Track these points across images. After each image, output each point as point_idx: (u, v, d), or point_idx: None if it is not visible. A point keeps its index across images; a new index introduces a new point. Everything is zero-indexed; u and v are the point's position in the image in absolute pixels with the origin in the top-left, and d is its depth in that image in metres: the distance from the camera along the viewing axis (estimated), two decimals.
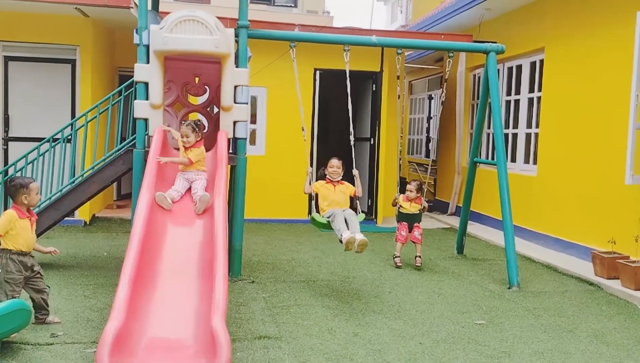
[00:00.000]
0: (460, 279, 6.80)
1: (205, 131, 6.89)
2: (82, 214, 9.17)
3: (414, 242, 7.21)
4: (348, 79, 6.65)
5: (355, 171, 6.12)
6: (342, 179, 6.12)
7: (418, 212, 7.24)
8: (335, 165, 6.04)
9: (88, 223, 9.30)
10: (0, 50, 8.95)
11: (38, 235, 6.41)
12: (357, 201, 6.14)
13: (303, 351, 4.38)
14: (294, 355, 4.28)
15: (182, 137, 5.64)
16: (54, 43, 8.99)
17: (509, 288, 6.43)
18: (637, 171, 6.43)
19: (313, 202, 6.05)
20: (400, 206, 7.25)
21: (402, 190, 7.39)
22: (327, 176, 6.08)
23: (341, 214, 5.72)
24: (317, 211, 5.98)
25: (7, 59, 8.99)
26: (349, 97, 6.60)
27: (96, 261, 6.95)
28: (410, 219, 7.23)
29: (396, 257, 7.21)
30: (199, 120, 5.78)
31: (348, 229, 5.55)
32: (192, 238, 4.89)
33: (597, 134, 7.61)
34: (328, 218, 5.79)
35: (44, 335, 4.49)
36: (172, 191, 5.33)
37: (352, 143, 6.49)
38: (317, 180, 6.20)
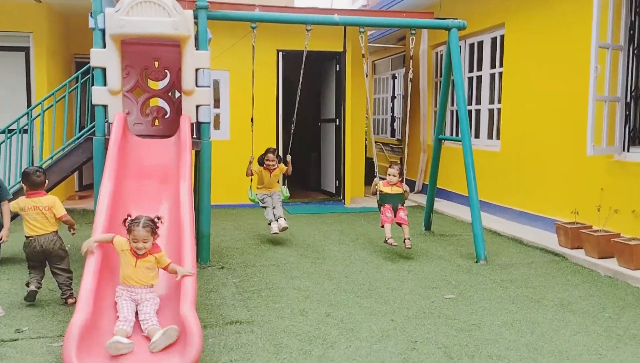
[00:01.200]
0: (429, 255, 6.86)
1: (167, 116, 6.78)
2: None
3: (400, 224, 6.69)
4: (304, 60, 7.23)
5: (288, 157, 7.41)
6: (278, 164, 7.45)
7: (401, 193, 6.78)
8: (271, 158, 7.31)
9: None
10: None
11: None
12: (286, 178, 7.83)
13: (275, 334, 4.36)
14: (266, 338, 4.26)
15: (134, 242, 3.96)
16: (6, 30, 8.69)
17: (476, 262, 6.52)
18: (597, 142, 6.57)
19: (251, 180, 7.45)
20: (381, 191, 6.78)
21: (370, 170, 7.31)
22: (265, 165, 7.32)
23: (270, 205, 7.35)
24: (253, 187, 7.45)
25: None
26: (301, 79, 7.41)
27: None
28: (394, 201, 6.74)
29: (389, 239, 6.55)
30: (157, 217, 4.12)
31: (274, 215, 7.32)
32: None
33: (558, 108, 7.72)
34: (261, 200, 7.37)
35: (8, 331, 4.36)
36: (121, 326, 3.81)
37: (292, 130, 7.67)
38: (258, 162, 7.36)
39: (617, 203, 6.50)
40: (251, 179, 7.46)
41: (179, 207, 4.65)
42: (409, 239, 6.65)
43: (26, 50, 8.80)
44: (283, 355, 3.97)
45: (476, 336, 4.35)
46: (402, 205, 6.79)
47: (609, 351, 4.09)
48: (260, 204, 7.42)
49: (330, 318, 4.72)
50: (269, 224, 7.32)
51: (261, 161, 7.35)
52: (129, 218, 4.05)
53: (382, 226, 6.70)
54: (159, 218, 4.10)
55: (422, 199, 10.49)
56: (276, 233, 7.22)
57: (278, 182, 7.62)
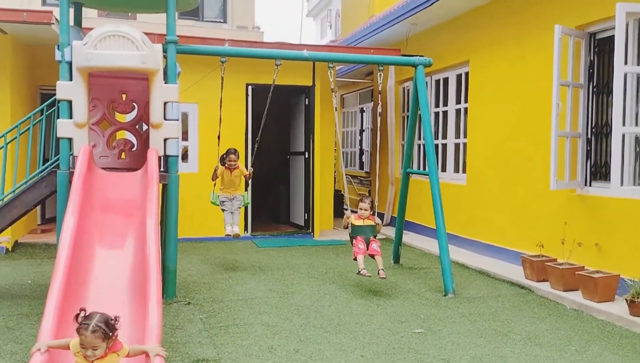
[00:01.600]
0: (398, 289, 6.86)
1: (134, 149, 6.70)
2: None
3: (372, 256, 6.60)
4: (271, 93, 7.48)
5: (250, 169, 7.97)
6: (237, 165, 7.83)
7: (373, 225, 6.75)
8: (232, 159, 7.67)
9: (10, 249, 8.80)
10: None
11: None
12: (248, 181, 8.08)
13: None
14: None
15: (82, 347, 3.32)
16: None
17: (444, 295, 6.54)
18: (560, 177, 6.71)
19: (215, 184, 7.69)
20: (352, 224, 6.74)
21: (339, 203, 7.36)
22: (226, 164, 7.67)
23: (229, 209, 7.70)
24: (216, 189, 7.75)
25: None
26: (265, 112, 7.65)
27: (20, 289, 6.57)
28: (366, 232, 6.70)
29: (362, 270, 6.46)
30: (114, 318, 3.42)
31: (232, 220, 7.70)
32: (123, 261, 4.69)
33: (522, 142, 7.90)
34: (221, 203, 7.69)
35: None
36: None
37: (254, 150, 8.20)
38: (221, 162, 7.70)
39: (580, 236, 6.63)
40: (214, 184, 7.69)
41: (145, 243, 4.55)
42: (382, 270, 6.57)
43: None
44: None
45: None
46: (375, 237, 6.76)
47: None
48: (220, 206, 7.68)
49: (299, 354, 4.65)
50: (225, 226, 7.64)
51: (222, 161, 7.69)
52: (82, 314, 3.36)
53: (355, 259, 6.63)
54: (116, 318, 3.40)
55: (390, 232, 10.52)
56: (229, 235, 7.58)
57: (240, 187, 7.93)
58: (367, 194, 7.51)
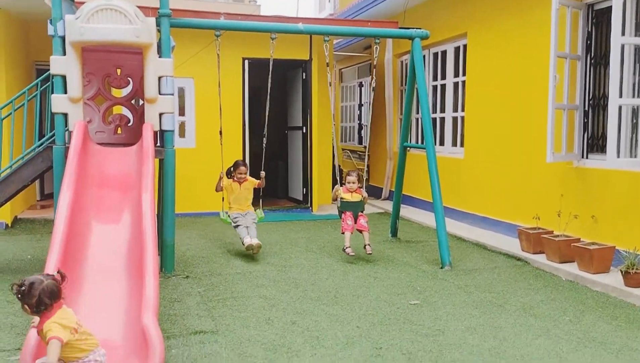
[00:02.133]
0: (395, 262, 6.90)
1: (130, 124, 6.68)
2: (3, 216, 8.70)
3: (360, 231, 6.89)
4: (271, 68, 7.16)
5: (262, 173, 7.24)
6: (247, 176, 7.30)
7: (361, 200, 6.99)
8: (242, 171, 7.17)
9: (10, 225, 8.84)
10: None
11: None
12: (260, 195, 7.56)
13: (240, 343, 4.32)
14: (230, 348, 4.22)
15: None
16: None
17: (441, 267, 6.59)
18: (557, 149, 6.71)
19: (223, 199, 7.19)
20: (341, 198, 6.97)
21: (335, 177, 7.39)
22: (234, 177, 7.17)
23: (244, 223, 6.99)
24: (225, 205, 7.21)
25: None
26: (269, 88, 7.29)
27: (19, 264, 6.62)
28: (354, 208, 6.94)
29: (347, 248, 6.78)
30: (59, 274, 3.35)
31: (248, 234, 6.92)
32: (119, 236, 4.71)
33: (519, 115, 7.88)
34: (234, 220, 7.03)
35: None
36: None
37: (264, 144, 7.41)
38: (227, 175, 7.23)
39: (576, 209, 6.66)
40: (223, 199, 7.19)
41: (141, 218, 4.57)
42: (369, 245, 6.85)
43: None
44: None
45: (440, 341, 4.39)
46: (362, 212, 7.01)
47: (569, 354, 4.17)
48: (233, 224, 7.05)
49: (295, 326, 4.70)
50: (243, 239, 6.90)
51: (229, 174, 7.20)
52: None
53: (343, 233, 6.87)
54: (61, 276, 3.27)
55: (388, 206, 10.54)
56: (250, 246, 6.78)
57: (252, 204, 7.30)
58: (355, 169, 7.54)
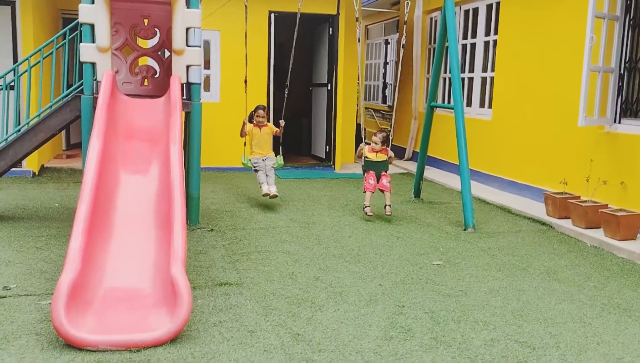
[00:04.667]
0: (418, 222, 6.89)
1: (156, 76, 6.67)
2: (31, 164, 8.83)
3: (382, 191, 6.87)
4: (297, 22, 7.26)
5: (281, 122, 7.54)
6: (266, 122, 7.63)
7: (385, 160, 6.96)
8: (261, 115, 7.44)
9: (37, 173, 8.98)
10: None
11: None
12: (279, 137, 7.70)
13: (265, 296, 4.38)
14: (255, 300, 4.28)
15: None
16: None
17: (464, 229, 6.56)
18: (589, 113, 6.56)
19: (245, 144, 7.49)
20: (366, 156, 6.96)
21: (358, 136, 7.36)
22: (254, 121, 7.43)
23: (263, 169, 7.33)
24: (247, 150, 7.48)
25: None
26: (294, 42, 7.46)
27: (47, 212, 6.73)
28: (377, 168, 6.92)
29: (366, 207, 6.83)
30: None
31: (267, 181, 7.28)
32: (147, 187, 4.75)
33: (551, 77, 7.68)
34: (254, 164, 7.35)
35: None
36: None
37: (285, 93, 7.76)
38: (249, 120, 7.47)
39: (605, 174, 6.54)
40: (245, 143, 7.47)
41: (169, 169, 4.59)
42: (389, 206, 6.89)
43: (12, 4, 8.53)
44: (272, 317, 3.99)
45: (463, 302, 4.40)
46: (386, 172, 6.97)
47: (593, 319, 4.15)
48: (253, 167, 7.37)
49: (319, 282, 4.74)
50: (261, 186, 7.28)
51: (251, 118, 7.45)
52: None
53: (364, 192, 6.90)
54: None
55: (412, 167, 10.48)
56: (267, 194, 7.11)
57: (271, 150, 7.58)
58: (382, 129, 7.44)
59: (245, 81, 7.22)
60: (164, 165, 4.81)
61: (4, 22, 8.57)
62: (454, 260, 5.48)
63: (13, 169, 8.55)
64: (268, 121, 7.67)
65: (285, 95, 7.61)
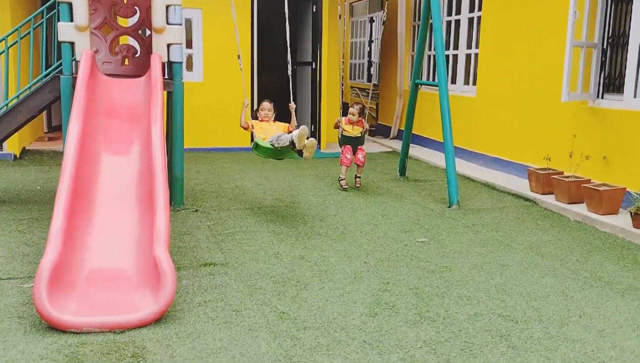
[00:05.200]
0: (403, 200, 6.90)
1: (137, 55, 6.57)
2: (12, 147, 8.70)
3: (357, 164, 7.32)
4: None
5: (292, 105, 6.43)
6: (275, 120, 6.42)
7: (360, 135, 7.34)
8: (266, 108, 6.30)
9: (18, 156, 8.85)
10: None
11: None
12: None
13: (250, 275, 4.37)
14: (240, 280, 4.27)
15: None
16: None
17: (449, 206, 6.59)
18: (572, 89, 6.57)
19: (254, 134, 6.20)
20: (343, 129, 7.30)
21: (345, 114, 7.40)
22: (259, 118, 6.31)
23: (283, 141, 5.60)
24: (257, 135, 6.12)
25: None
26: (287, 21, 6.82)
27: (29, 195, 6.66)
28: (354, 143, 7.32)
29: (342, 180, 7.26)
30: None
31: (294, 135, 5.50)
32: (129, 167, 4.69)
33: (535, 53, 7.68)
34: (271, 141, 5.73)
35: None
36: None
37: (289, 72, 6.58)
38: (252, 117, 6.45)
39: (588, 150, 6.58)
40: (252, 138, 6.53)
41: (151, 149, 4.54)
42: (359, 178, 7.39)
43: None
44: (257, 296, 3.99)
45: (447, 278, 4.43)
46: (361, 146, 7.35)
47: (576, 292, 4.20)
48: (277, 144, 5.63)
49: (304, 260, 4.75)
50: (292, 138, 5.46)
51: (255, 117, 6.45)
52: None
53: (341, 165, 7.29)
54: None
55: (397, 146, 10.48)
56: (303, 145, 5.43)
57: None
58: (357, 102, 7.43)
59: (239, 56, 6.59)
60: (145, 145, 4.75)
61: None
62: (438, 236, 5.51)
63: None
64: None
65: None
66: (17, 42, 6.36)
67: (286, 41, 6.69)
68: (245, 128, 6.30)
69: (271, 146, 5.70)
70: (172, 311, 3.68)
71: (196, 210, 6.20)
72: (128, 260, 3.92)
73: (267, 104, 6.34)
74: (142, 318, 3.44)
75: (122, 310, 3.48)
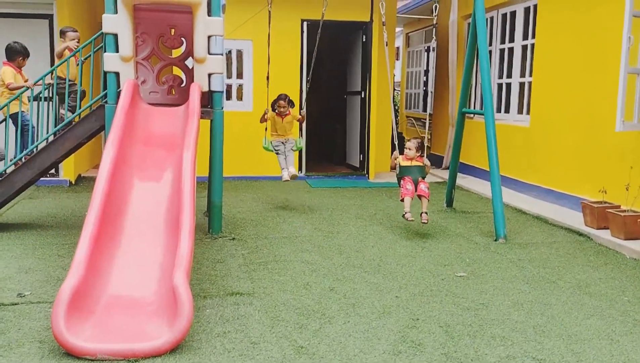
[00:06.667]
0: (446, 232, 6.65)
1: (183, 85, 6.70)
2: (67, 174, 9.04)
3: (420, 196, 6.36)
4: (320, 29, 7.45)
5: (302, 111, 7.88)
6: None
7: (421, 166, 6.52)
8: (282, 105, 7.56)
9: (73, 182, 9.17)
10: None
11: (13, 196, 6.33)
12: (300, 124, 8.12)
13: (275, 307, 4.27)
14: (264, 311, 4.17)
15: None
16: None
17: (495, 240, 6.29)
18: (628, 118, 6.20)
19: (266, 129, 7.59)
20: (400, 165, 6.56)
21: (401, 146, 6.95)
22: (276, 111, 7.58)
23: (283, 152, 7.60)
24: (268, 134, 7.64)
25: None
26: (316, 48, 7.66)
27: (76, 220, 6.83)
28: (414, 173, 6.45)
29: (406, 213, 6.30)
30: None
31: (287, 164, 7.59)
32: (159, 194, 4.72)
33: (589, 82, 7.33)
34: (275, 147, 7.58)
35: (10, 295, 4.39)
36: None
37: (305, 89, 8.21)
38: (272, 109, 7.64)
39: None
40: (266, 129, 7.58)
41: (181, 174, 4.55)
42: (426, 213, 6.39)
43: (50, 17, 8.80)
44: (278, 328, 3.87)
45: (482, 316, 4.17)
46: (424, 178, 6.50)
47: (622, 336, 3.86)
48: (274, 150, 7.60)
49: (333, 292, 4.60)
50: (282, 171, 7.59)
51: (273, 107, 7.59)
52: None
53: (402, 200, 6.39)
54: None
55: (447, 175, 10.20)
56: (287, 180, 7.51)
57: (292, 132, 7.81)
58: (417, 136, 7.15)
59: (267, 78, 7.48)
60: (177, 172, 4.78)
61: (43, 34, 8.83)
62: (479, 271, 5.24)
63: (50, 179, 8.80)
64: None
65: (307, 88, 7.95)
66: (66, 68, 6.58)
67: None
68: (262, 122, 7.53)
69: (272, 150, 7.61)
70: (189, 340, 3.61)
71: (233, 238, 6.18)
72: (149, 287, 3.90)
73: (282, 102, 7.53)
74: (156, 347, 3.38)
75: (138, 338, 3.43)
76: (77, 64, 6.67)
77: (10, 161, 6.37)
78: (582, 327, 4.00)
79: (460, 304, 4.40)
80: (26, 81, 6.89)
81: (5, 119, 6.62)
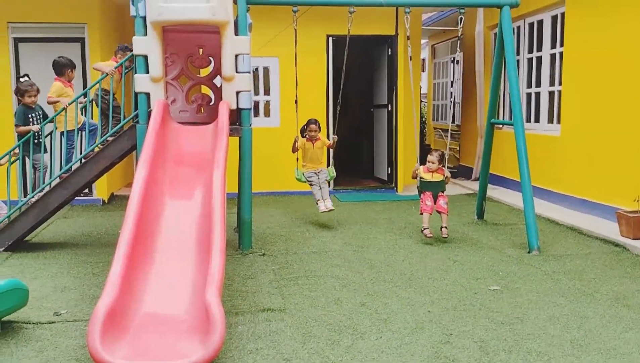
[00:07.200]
0: (478, 245, 6.57)
1: (211, 103, 6.79)
2: (100, 193, 9.20)
3: (439, 212, 6.64)
4: (347, 44, 7.33)
5: (334, 137, 7.76)
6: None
7: (442, 180, 6.73)
8: (313, 129, 7.54)
9: (106, 201, 9.33)
10: (10, 32, 8.92)
11: (48, 216, 6.47)
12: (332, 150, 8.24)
13: (306, 322, 4.26)
14: (295, 327, 4.17)
15: None
16: (62, 22, 8.92)
17: (528, 252, 6.19)
18: None
19: (297, 159, 7.55)
20: (421, 177, 6.75)
21: (423, 157, 7.06)
22: (306, 136, 7.54)
23: (317, 183, 7.48)
24: (299, 164, 7.60)
25: (17, 40, 8.96)
26: (345, 62, 7.53)
27: (110, 239, 6.94)
28: (434, 188, 6.69)
29: (425, 229, 6.60)
30: None
31: (322, 196, 7.45)
32: (191, 212, 4.78)
33: (621, 89, 7.20)
34: (308, 178, 7.48)
35: (47, 313, 4.48)
36: None
37: (332, 112, 8.42)
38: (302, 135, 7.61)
39: None
40: (297, 159, 7.53)
41: (211, 193, 4.60)
42: (446, 227, 6.63)
43: (81, 41, 9.03)
44: (310, 345, 3.87)
45: (517, 330, 4.10)
46: (443, 192, 6.73)
47: None
48: (308, 182, 7.50)
49: (365, 308, 4.58)
50: (317, 203, 7.46)
51: (303, 132, 7.54)
52: None
53: (421, 214, 6.68)
54: None
55: (477, 187, 10.09)
56: (324, 211, 7.38)
57: (325, 162, 7.78)
58: (437, 149, 7.19)
59: (296, 102, 7.31)
60: (207, 189, 4.83)
61: (75, 58, 8.99)
62: (513, 285, 5.15)
63: (84, 197, 8.98)
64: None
65: (338, 111, 7.70)
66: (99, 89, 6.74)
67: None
68: (294, 152, 7.48)
69: (303, 179, 7.49)
70: (222, 358, 3.63)
71: (264, 254, 6.20)
72: (182, 305, 3.93)
73: (314, 126, 7.52)
74: None
75: (171, 356, 3.45)
76: (120, 80, 6.83)
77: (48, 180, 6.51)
78: (620, 341, 3.90)
79: (494, 318, 4.34)
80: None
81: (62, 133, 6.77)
